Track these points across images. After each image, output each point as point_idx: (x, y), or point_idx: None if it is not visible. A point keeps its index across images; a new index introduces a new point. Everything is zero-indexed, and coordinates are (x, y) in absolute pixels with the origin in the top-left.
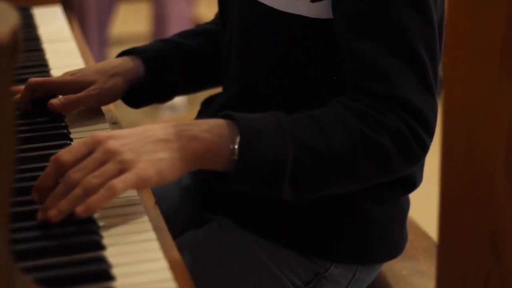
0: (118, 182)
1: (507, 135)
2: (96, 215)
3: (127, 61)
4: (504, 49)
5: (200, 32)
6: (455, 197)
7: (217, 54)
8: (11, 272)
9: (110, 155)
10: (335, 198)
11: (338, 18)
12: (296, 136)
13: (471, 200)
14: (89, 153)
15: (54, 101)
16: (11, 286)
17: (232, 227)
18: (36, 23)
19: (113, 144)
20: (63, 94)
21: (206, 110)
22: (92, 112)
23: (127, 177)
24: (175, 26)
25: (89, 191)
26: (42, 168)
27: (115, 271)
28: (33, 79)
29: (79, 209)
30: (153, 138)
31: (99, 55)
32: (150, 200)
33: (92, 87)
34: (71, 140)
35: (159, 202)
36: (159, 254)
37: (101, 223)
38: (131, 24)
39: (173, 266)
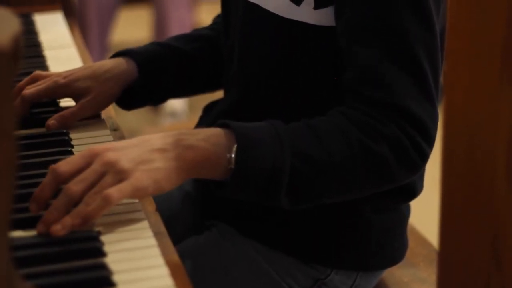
0: (113, 191)
1: (508, 140)
2: (96, 222)
3: (121, 63)
4: (505, 53)
5: (197, 37)
6: (455, 202)
7: (213, 59)
8: (12, 279)
9: (108, 167)
10: (335, 205)
11: (340, 25)
12: (294, 144)
13: (472, 205)
14: (87, 165)
15: (50, 121)
16: None
17: (232, 234)
18: (37, 29)
19: (110, 155)
20: (57, 98)
21: (208, 116)
22: (93, 119)
23: (123, 186)
24: (176, 32)
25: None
26: (43, 175)
27: (116, 277)
28: (26, 94)
29: (76, 222)
30: (150, 147)
31: (100, 61)
32: (150, 206)
33: (87, 98)
34: (72, 146)
35: (159, 208)
36: (159, 261)
37: (101, 230)
38: (132, 30)
39: (173, 273)
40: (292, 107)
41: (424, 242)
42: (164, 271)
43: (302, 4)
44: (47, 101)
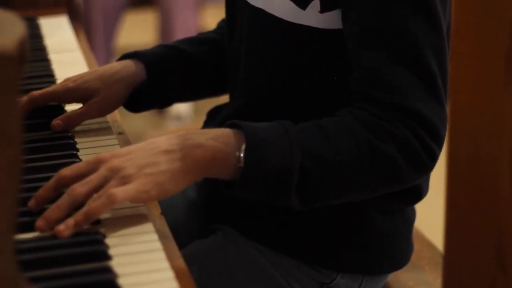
0: (117, 191)
1: None
2: (102, 225)
3: (129, 65)
4: (509, 56)
5: (202, 40)
6: (460, 205)
7: (217, 62)
8: (18, 282)
9: (113, 172)
10: (341, 208)
11: (347, 28)
12: (303, 144)
13: (476, 208)
14: (92, 171)
15: (55, 122)
16: None
17: (237, 237)
18: (43, 33)
19: (116, 161)
20: (66, 103)
21: (213, 120)
22: (98, 123)
23: (127, 187)
24: (181, 36)
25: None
26: (47, 179)
27: (121, 281)
28: (35, 93)
29: (80, 219)
30: (156, 150)
31: (105, 65)
32: (156, 210)
33: (94, 100)
34: (77, 150)
35: (165, 212)
36: (165, 264)
37: (106, 233)
38: (138, 34)
39: (179, 276)
40: (297, 110)
41: (429, 245)
42: (169, 274)
43: (308, 8)
44: (53, 104)
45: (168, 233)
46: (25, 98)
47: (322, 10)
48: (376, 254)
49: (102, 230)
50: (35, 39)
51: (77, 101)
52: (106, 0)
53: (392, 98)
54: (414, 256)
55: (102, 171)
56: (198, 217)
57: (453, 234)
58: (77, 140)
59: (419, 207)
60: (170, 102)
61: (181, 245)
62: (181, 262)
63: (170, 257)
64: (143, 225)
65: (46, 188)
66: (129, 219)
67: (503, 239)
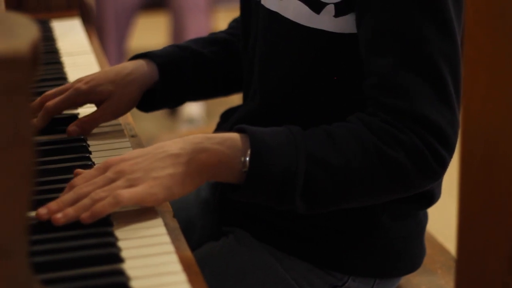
0: (124, 191)
1: None
2: (114, 228)
3: (142, 65)
4: None
5: (214, 40)
6: (473, 209)
7: (228, 63)
8: (31, 284)
9: (120, 174)
10: (353, 212)
11: (361, 33)
12: (309, 149)
13: (490, 212)
14: (100, 175)
15: (71, 127)
16: None
17: (249, 240)
18: (55, 36)
19: (124, 165)
20: (79, 106)
21: (226, 123)
22: (111, 126)
23: (133, 189)
24: None
25: (97, 202)
26: (60, 181)
27: (133, 283)
28: (50, 104)
29: (84, 215)
30: (163, 154)
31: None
32: (168, 212)
33: (108, 103)
34: (90, 153)
35: (177, 214)
36: (177, 267)
37: (119, 236)
38: (150, 37)
39: (191, 279)
40: (310, 113)
41: (441, 249)
42: (182, 277)
43: (322, 12)
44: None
45: (181, 236)
46: (40, 113)
47: (337, 15)
48: (388, 258)
49: (115, 232)
50: (48, 41)
51: (90, 103)
52: (119, 3)
53: (403, 105)
54: (426, 260)
55: (108, 174)
56: (211, 218)
57: (466, 238)
58: (89, 142)
59: (432, 211)
60: (181, 102)
61: (194, 246)
62: (193, 265)
63: (182, 260)
64: (155, 228)
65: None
66: (142, 222)
67: None
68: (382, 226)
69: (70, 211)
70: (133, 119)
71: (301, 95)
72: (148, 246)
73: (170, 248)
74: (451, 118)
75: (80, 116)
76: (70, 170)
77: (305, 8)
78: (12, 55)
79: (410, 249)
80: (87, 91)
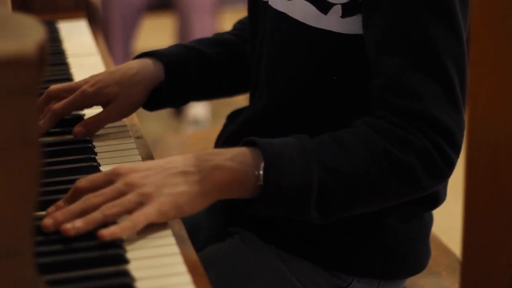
0: (140, 215)
1: None
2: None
3: (148, 64)
4: None
5: (218, 41)
6: (479, 211)
7: (232, 64)
8: (36, 285)
9: (131, 187)
10: (359, 214)
11: (368, 33)
12: (321, 158)
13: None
14: (109, 183)
15: (77, 128)
16: None
17: (255, 241)
18: (61, 37)
19: (134, 176)
20: (85, 108)
21: (232, 124)
22: (116, 127)
23: (148, 210)
24: None
25: (108, 218)
26: (65, 182)
27: (138, 284)
28: (57, 107)
29: (105, 233)
30: (174, 170)
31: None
32: None
33: (114, 104)
34: (96, 154)
35: (183, 217)
36: (182, 268)
37: (124, 237)
38: (156, 38)
39: (196, 280)
40: (317, 114)
41: (446, 251)
42: (187, 278)
43: (330, 13)
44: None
45: (186, 236)
46: (47, 115)
47: (344, 15)
48: (393, 259)
49: None
50: (54, 42)
51: (97, 105)
52: (125, 4)
53: (411, 105)
54: (431, 262)
55: (118, 185)
56: (217, 219)
57: (471, 240)
58: (95, 143)
59: (437, 212)
60: (185, 102)
61: (199, 247)
62: (198, 266)
63: (187, 261)
64: (160, 229)
65: (64, 199)
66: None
67: None
68: (388, 228)
69: (80, 224)
70: (138, 120)
71: (308, 96)
72: (153, 247)
73: (175, 249)
74: (458, 118)
75: (86, 117)
76: (76, 171)
77: (312, 9)
78: (18, 56)
79: (416, 251)
80: (94, 94)
